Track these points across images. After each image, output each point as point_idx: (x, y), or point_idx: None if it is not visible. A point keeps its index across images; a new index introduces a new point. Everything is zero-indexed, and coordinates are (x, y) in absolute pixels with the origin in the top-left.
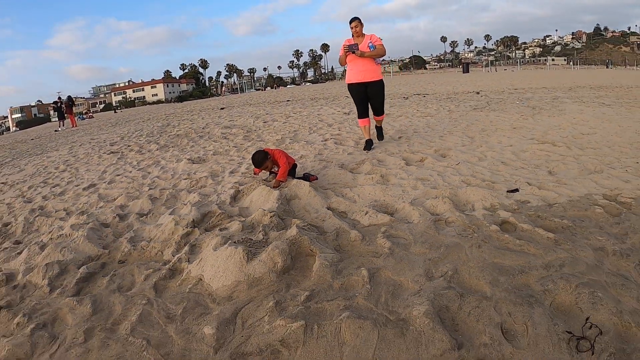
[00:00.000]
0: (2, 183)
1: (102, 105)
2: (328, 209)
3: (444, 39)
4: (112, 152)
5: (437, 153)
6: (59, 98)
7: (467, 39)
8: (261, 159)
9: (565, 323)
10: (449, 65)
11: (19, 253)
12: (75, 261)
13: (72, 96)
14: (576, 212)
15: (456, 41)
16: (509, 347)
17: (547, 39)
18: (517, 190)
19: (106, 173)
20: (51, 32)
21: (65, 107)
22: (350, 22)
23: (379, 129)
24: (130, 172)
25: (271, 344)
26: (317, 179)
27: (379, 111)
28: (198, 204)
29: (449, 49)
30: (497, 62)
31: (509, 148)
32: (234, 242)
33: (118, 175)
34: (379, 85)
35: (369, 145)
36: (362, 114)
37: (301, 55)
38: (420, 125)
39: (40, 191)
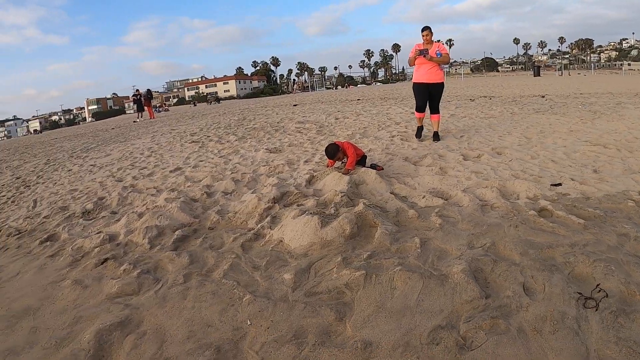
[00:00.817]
0: (92, 165)
1: (175, 99)
2: (391, 194)
3: (516, 41)
4: (193, 142)
5: (494, 151)
6: (137, 90)
7: (541, 41)
8: (333, 150)
9: (579, 287)
10: (521, 68)
11: (118, 220)
12: (171, 226)
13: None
14: (610, 204)
15: (529, 43)
16: (526, 299)
17: (624, 42)
18: (560, 184)
19: (190, 159)
20: (126, 30)
21: (144, 100)
22: (422, 31)
23: (436, 134)
24: (212, 158)
25: (338, 287)
26: (382, 169)
27: (436, 109)
28: (277, 185)
29: (521, 52)
30: (570, 66)
31: (562, 149)
32: (310, 213)
33: (201, 161)
34: (440, 87)
35: (419, 131)
36: (421, 108)
37: (372, 55)
38: (482, 126)
39: (129, 172)
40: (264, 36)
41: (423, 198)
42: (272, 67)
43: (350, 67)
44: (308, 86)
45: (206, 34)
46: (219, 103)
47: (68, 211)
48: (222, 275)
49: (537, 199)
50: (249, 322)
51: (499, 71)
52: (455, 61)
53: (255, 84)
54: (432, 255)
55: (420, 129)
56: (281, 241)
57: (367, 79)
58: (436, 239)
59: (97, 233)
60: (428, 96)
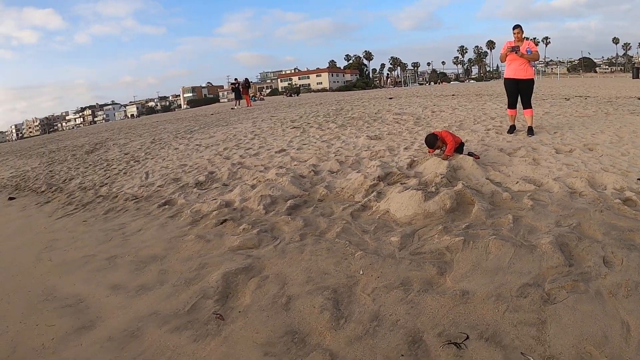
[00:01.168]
0: (197, 145)
1: (269, 90)
2: (486, 179)
3: (615, 41)
4: (294, 127)
5: (586, 147)
6: (236, 79)
7: None
8: (432, 140)
9: None
10: (620, 69)
11: (231, 190)
12: (283, 197)
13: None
14: None
15: (629, 43)
16: (605, 269)
17: None
18: None
19: (293, 142)
20: (221, 22)
21: (242, 88)
22: (514, 29)
23: (530, 129)
24: (315, 142)
25: (439, 249)
26: (479, 157)
27: (527, 104)
28: (381, 166)
29: (621, 52)
30: None
31: None
32: (414, 189)
33: (304, 144)
34: (530, 83)
35: (512, 129)
36: (512, 105)
37: (466, 52)
38: (575, 124)
39: (236, 152)
40: (356, 30)
41: (516, 184)
42: (365, 61)
43: (443, 63)
44: (400, 81)
45: (299, 27)
46: (297, 96)
47: (181, 182)
48: (335, 236)
49: (623, 190)
50: (361, 272)
51: (596, 72)
52: (551, 60)
53: (348, 77)
54: (523, 230)
55: (512, 128)
56: (387, 211)
57: (461, 75)
58: (527, 217)
59: (213, 199)
60: (518, 92)
